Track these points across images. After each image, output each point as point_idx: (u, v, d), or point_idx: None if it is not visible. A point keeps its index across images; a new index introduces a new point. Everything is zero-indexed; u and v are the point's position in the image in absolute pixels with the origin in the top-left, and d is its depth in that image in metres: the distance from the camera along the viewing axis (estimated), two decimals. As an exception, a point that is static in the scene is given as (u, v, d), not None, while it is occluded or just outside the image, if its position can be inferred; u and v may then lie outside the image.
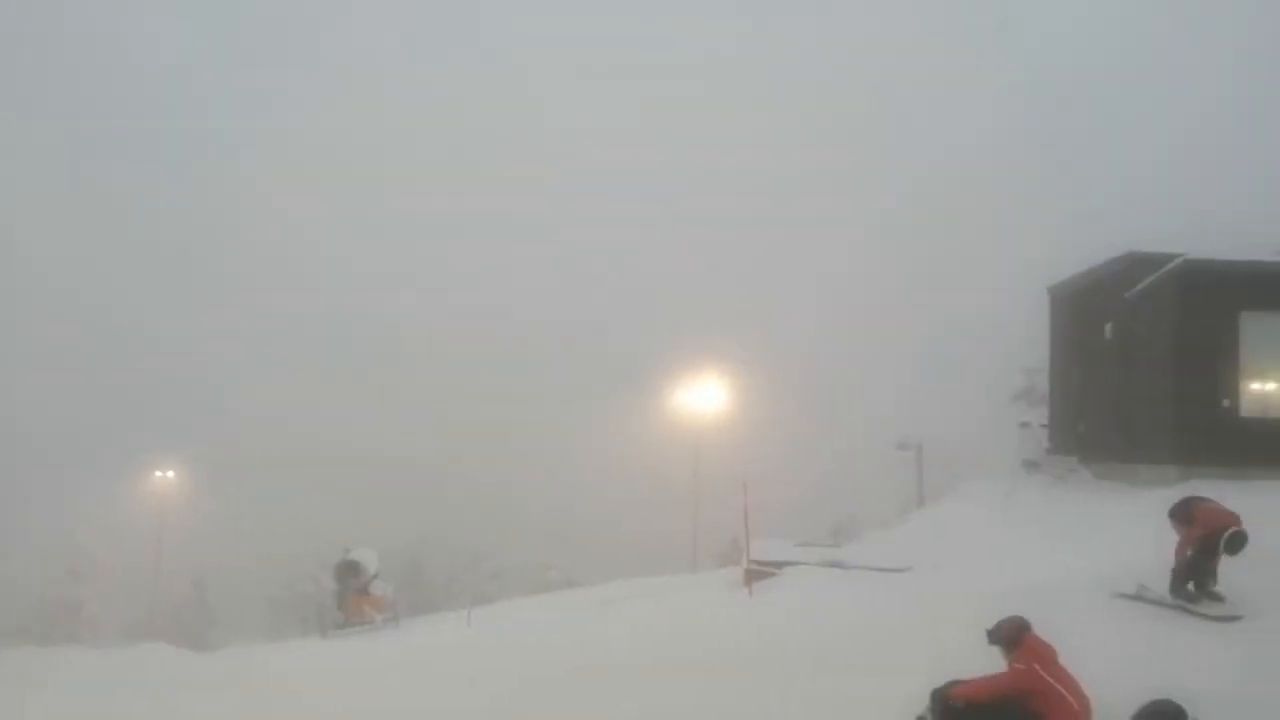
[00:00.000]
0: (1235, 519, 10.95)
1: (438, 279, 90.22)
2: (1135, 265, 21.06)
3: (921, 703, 7.55)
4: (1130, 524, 14.54)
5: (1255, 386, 19.22)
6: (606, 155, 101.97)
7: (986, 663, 7.54)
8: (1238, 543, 10.80)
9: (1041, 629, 7.47)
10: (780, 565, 17.97)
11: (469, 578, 48.54)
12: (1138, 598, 11.23)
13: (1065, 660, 7.23)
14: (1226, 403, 18.75)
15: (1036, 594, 11.54)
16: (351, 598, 23.06)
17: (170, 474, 46.76)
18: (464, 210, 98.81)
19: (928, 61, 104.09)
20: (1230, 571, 10.81)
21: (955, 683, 7.37)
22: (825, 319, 76.98)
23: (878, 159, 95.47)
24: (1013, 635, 7.30)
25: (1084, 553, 13.98)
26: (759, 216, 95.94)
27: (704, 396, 35.46)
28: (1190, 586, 10.83)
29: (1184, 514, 11.23)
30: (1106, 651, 8.50)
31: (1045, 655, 7.13)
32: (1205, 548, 10.88)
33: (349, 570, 23.35)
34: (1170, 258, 19.65)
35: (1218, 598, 10.71)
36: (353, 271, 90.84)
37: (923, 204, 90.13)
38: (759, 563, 17.70)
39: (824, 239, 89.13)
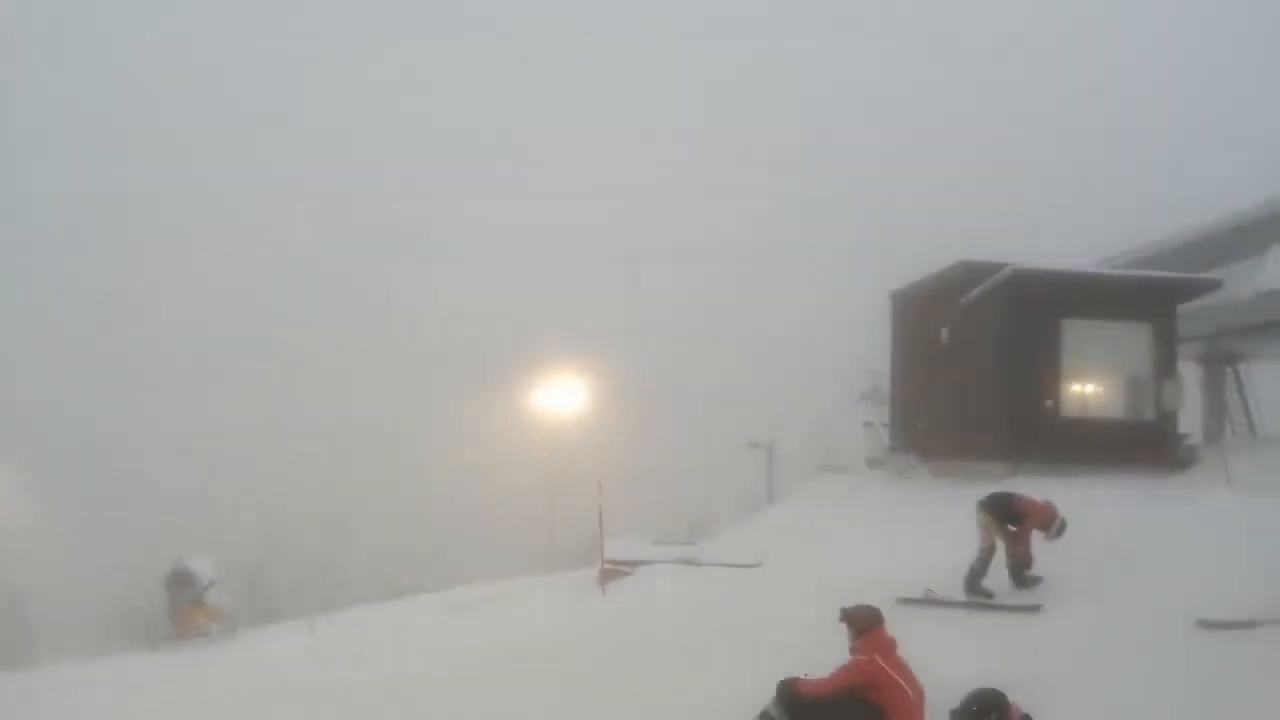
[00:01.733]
0: (1055, 509, 11.73)
1: (281, 276, 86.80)
2: (969, 273, 22.14)
3: (768, 695, 7.65)
4: (963, 519, 15.24)
5: (1075, 388, 20.50)
6: (463, 152, 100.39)
7: (829, 656, 7.70)
8: (1063, 529, 11.62)
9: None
10: (635, 564, 18.00)
11: (316, 585, 46.73)
12: (925, 601, 11.52)
13: (902, 652, 7.49)
14: (1050, 403, 19.93)
15: (870, 586, 11.98)
16: (184, 608, 21.84)
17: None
18: (309, 209, 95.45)
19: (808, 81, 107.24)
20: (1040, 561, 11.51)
21: (790, 681, 7.57)
22: (682, 320, 78.27)
23: (738, 170, 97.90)
24: (864, 624, 7.55)
25: (915, 547, 14.53)
26: (618, 218, 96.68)
27: (561, 396, 35.18)
28: (985, 581, 11.41)
29: (1007, 510, 11.76)
30: (931, 642, 8.74)
31: (886, 647, 7.42)
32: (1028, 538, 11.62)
33: (181, 579, 22.11)
34: (1000, 266, 20.74)
35: (1036, 580, 11.42)
36: (190, 272, 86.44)
37: (781, 209, 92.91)
38: (614, 562, 17.66)
39: (682, 241, 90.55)
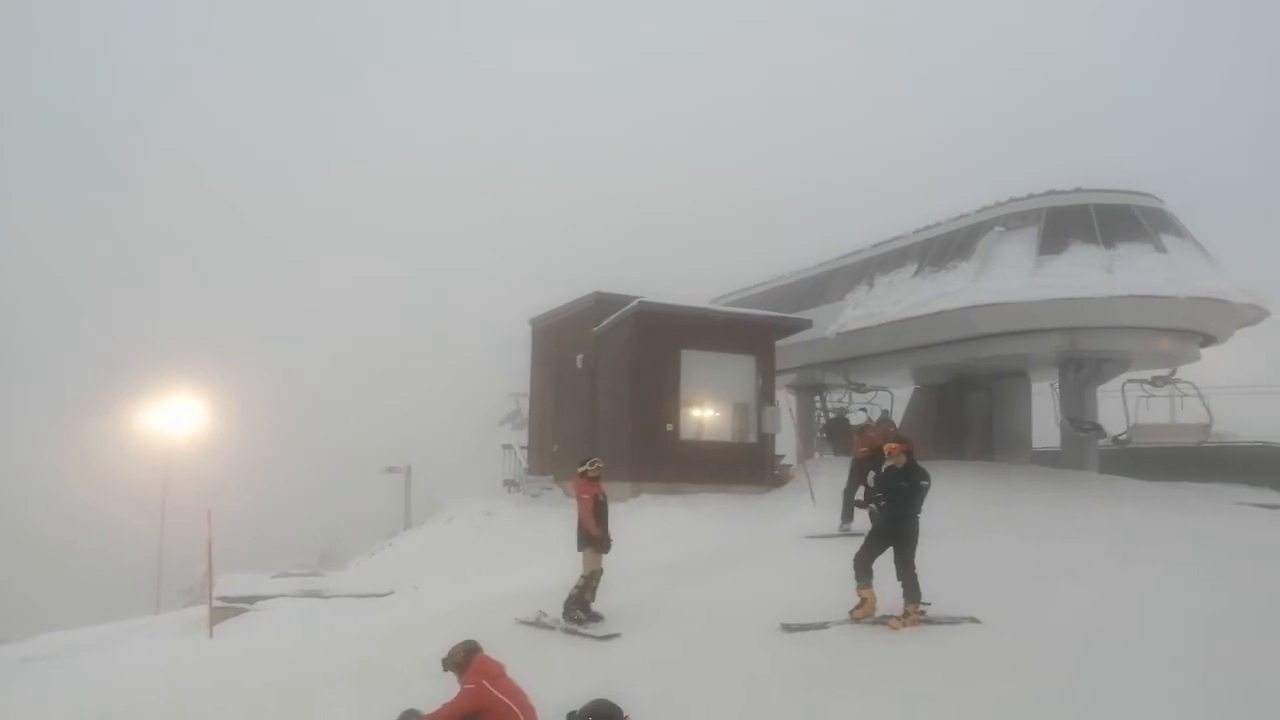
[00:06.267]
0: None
1: None
2: (601, 304, 23.39)
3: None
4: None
5: (694, 413, 22.27)
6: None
7: (455, 686, 7.62)
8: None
9: (489, 644, 7.79)
10: (252, 600, 16.79)
11: None
12: (536, 623, 11.89)
13: (512, 674, 7.59)
14: (669, 427, 21.44)
15: (496, 610, 12.16)
16: None
17: None
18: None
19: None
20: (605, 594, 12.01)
21: (412, 713, 7.43)
22: (317, 339, 74.63)
23: (384, 188, 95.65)
24: (463, 659, 7.53)
25: (539, 568, 14.92)
26: (249, 231, 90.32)
27: (176, 418, 31.93)
28: (578, 611, 11.74)
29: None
30: (533, 664, 8.95)
31: (494, 671, 7.42)
32: None
33: None
34: (629, 299, 22.13)
35: (598, 617, 11.76)
36: None
37: (430, 231, 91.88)
38: (226, 599, 16.31)
39: (321, 260, 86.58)
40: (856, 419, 17.16)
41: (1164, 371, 22.99)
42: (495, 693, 7.18)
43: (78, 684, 12.42)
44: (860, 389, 28.41)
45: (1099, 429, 23.12)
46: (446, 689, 7.61)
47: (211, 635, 14.64)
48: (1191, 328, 21.13)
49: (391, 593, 17.31)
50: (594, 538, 11.65)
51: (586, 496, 11.68)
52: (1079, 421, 22.96)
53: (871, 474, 13.76)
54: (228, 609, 16.11)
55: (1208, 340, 22.22)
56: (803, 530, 16.02)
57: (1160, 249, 20.47)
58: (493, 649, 7.80)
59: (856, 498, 11.37)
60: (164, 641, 15.21)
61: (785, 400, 29.85)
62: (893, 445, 10.83)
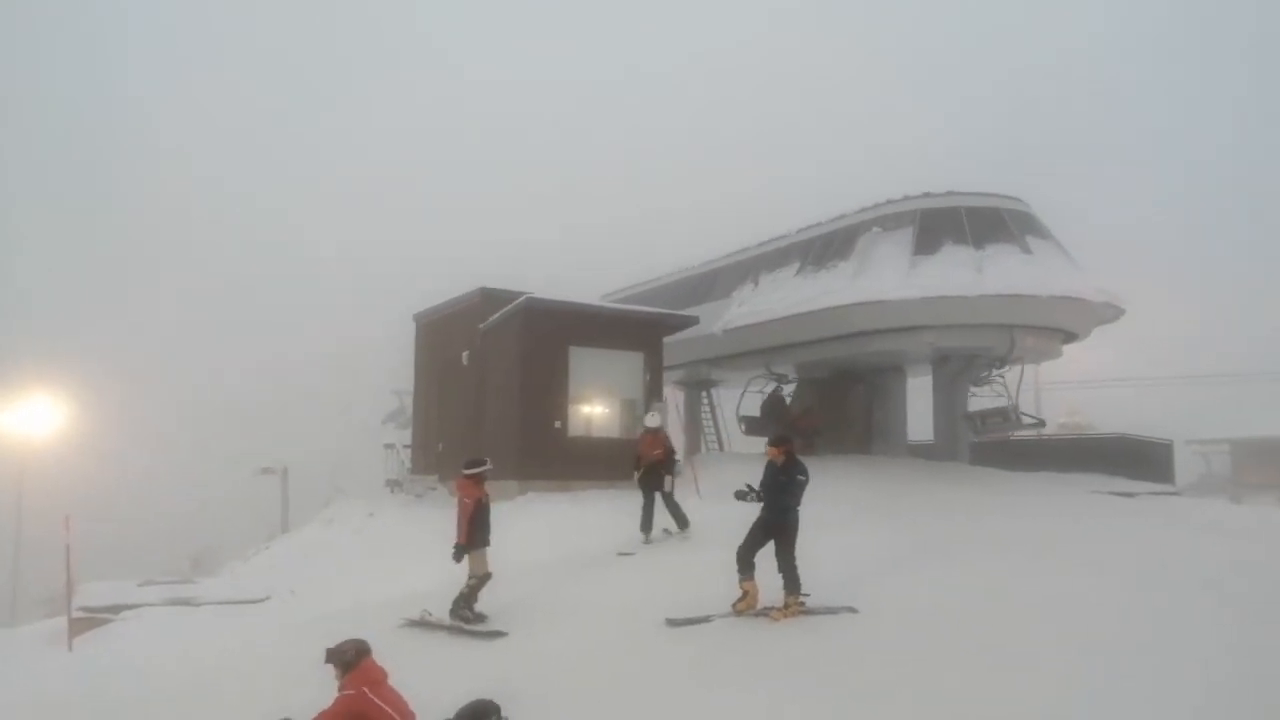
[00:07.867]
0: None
1: None
2: (488, 299, 23.10)
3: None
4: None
5: (582, 409, 22.22)
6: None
7: (332, 693, 7.40)
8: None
9: (372, 647, 7.60)
10: (117, 609, 15.95)
11: None
12: (421, 622, 11.74)
13: (396, 677, 7.40)
14: (558, 424, 21.35)
15: (377, 612, 11.87)
16: None
17: None
18: None
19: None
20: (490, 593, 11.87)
21: (287, 725, 7.17)
22: (187, 333, 71.60)
23: (248, 181, 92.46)
24: (351, 658, 7.28)
25: (423, 569, 14.64)
26: (114, 223, 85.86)
27: (30, 416, 29.94)
28: (466, 609, 11.55)
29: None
30: (418, 665, 8.80)
31: (376, 677, 7.21)
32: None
33: None
34: (516, 295, 21.93)
35: (483, 617, 11.59)
36: None
37: (312, 223, 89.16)
38: (87, 609, 15.44)
39: (186, 260, 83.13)
40: (652, 420, 16.41)
41: (985, 373, 24.30)
42: (374, 699, 6.97)
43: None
44: (783, 379, 28.82)
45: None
46: (323, 696, 7.38)
47: (71, 648, 13.84)
48: (1054, 325, 22.27)
49: (267, 598, 16.76)
50: (459, 543, 11.54)
51: (469, 501, 11.58)
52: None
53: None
54: (90, 620, 15.27)
55: (1069, 337, 23.46)
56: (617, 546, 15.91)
57: (1026, 250, 21.50)
58: (376, 652, 7.61)
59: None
60: (19, 656, 14.27)
61: (673, 396, 30.18)
62: (771, 450, 10.89)
